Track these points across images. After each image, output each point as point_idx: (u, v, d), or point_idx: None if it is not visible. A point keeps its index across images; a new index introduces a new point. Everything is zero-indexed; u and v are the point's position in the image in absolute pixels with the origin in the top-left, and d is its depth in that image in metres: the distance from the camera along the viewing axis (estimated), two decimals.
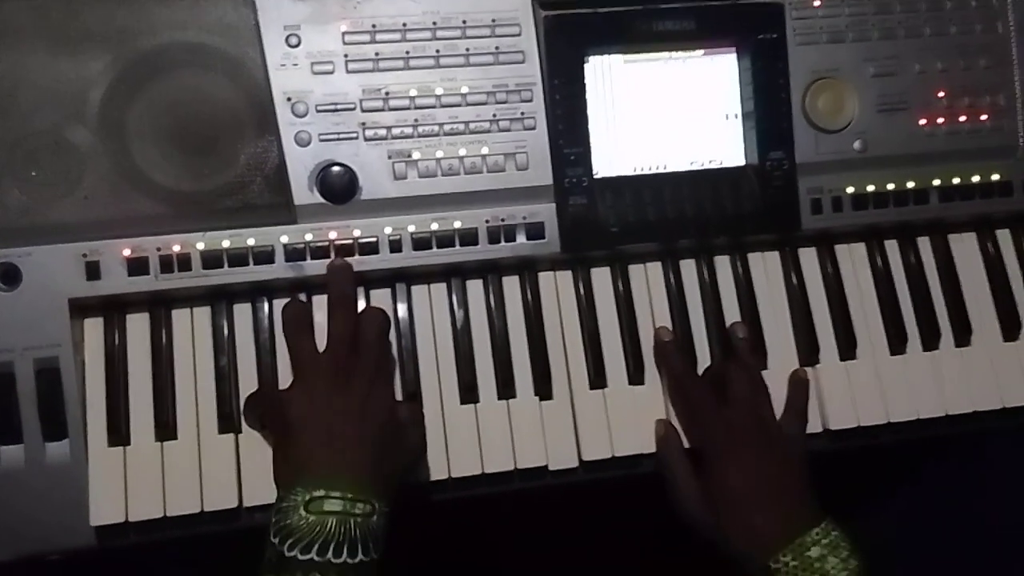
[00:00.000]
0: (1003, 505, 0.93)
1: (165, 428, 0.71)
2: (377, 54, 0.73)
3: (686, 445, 0.74)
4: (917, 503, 0.93)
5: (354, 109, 0.72)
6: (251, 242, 0.72)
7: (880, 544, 0.89)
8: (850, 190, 0.78)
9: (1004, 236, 0.83)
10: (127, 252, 0.70)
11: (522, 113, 0.75)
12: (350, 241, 0.73)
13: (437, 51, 0.74)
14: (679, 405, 0.75)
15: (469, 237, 0.74)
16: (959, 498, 0.90)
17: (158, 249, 0.70)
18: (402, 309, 0.75)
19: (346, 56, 0.72)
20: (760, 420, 0.73)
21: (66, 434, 0.70)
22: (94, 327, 0.72)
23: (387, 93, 0.73)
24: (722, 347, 0.78)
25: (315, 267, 0.72)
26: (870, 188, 0.79)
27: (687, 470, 0.72)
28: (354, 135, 0.72)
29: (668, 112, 0.78)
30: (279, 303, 0.74)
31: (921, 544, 0.91)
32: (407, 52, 0.73)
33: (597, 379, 0.76)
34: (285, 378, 0.72)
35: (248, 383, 0.73)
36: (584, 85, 0.75)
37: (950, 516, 0.90)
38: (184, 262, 0.71)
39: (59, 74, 0.69)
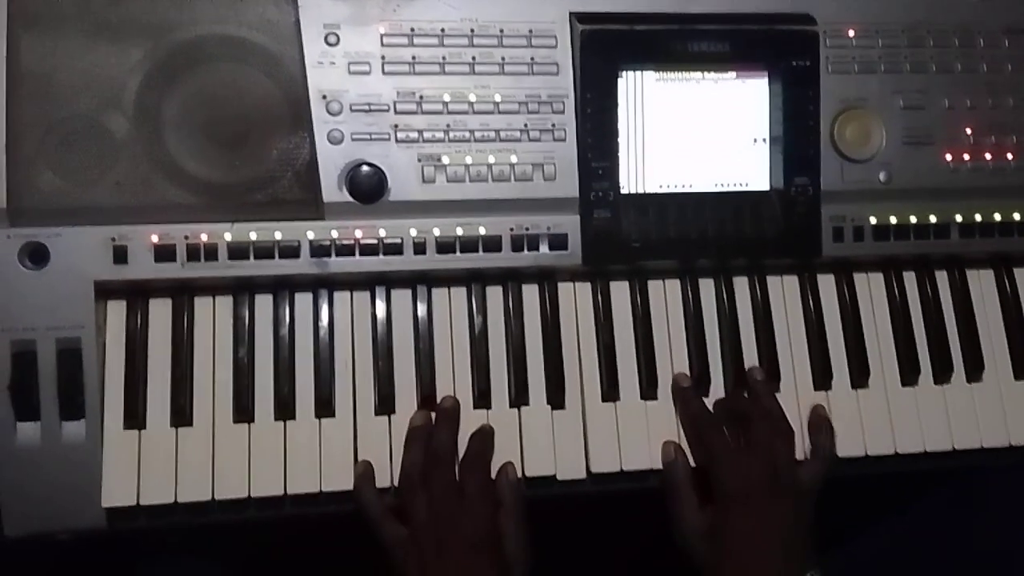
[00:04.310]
0: (997, 540, 0.93)
1: (181, 415, 0.72)
2: (414, 58, 0.73)
3: (692, 464, 0.75)
4: (908, 532, 0.93)
5: (387, 111, 0.73)
6: (278, 236, 0.72)
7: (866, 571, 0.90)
8: (872, 220, 0.79)
9: (1022, 275, 0.84)
10: (155, 239, 0.71)
11: (553, 125, 0.75)
12: (375, 241, 0.73)
13: (473, 58, 0.74)
14: (694, 445, 0.75)
15: (492, 244, 0.75)
16: (951, 530, 0.91)
17: (186, 238, 0.71)
18: (422, 311, 0.76)
19: (383, 58, 0.73)
20: (775, 472, 0.72)
21: (83, 415, 0.70)
22: (117, 310, 0.73)
23: (421, 97, 0.73)
24: (735, 367, 0.78)
25: (339, 264, 0.73)
26: (892, 219, 0.79)
27: (693, 501, 0.72)
28: (386, 136, 0.73)
29: (697, 132, 0.78)
30: (301, 297, 0.74)
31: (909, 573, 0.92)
32: (443, 57, 0.74)
33: (610, 392, 0.76)
34: (301, 372, 0.73)
35: (265, 375, 0.73)
36: (616, 100, 0.76)
37: (941, 548, 0.91)
38: (211, 252, 0.71)
39: (98, 60, 0.69)
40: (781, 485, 0.72)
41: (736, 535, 0.70)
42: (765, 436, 0.73)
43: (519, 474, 0.73)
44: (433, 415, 0.73)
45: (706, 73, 0.78)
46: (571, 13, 0.75)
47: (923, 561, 0.90)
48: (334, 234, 0.73)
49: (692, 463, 0.75)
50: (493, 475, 0.73)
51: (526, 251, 0.75)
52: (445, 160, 0.74)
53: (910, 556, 0.91)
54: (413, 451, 0.71)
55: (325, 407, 0.73)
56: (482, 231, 0.75)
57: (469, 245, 0.74)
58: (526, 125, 0.75)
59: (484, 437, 0.73)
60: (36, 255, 0.70)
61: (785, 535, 0.70)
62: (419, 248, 0.74)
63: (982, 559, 0.87)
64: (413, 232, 0.74)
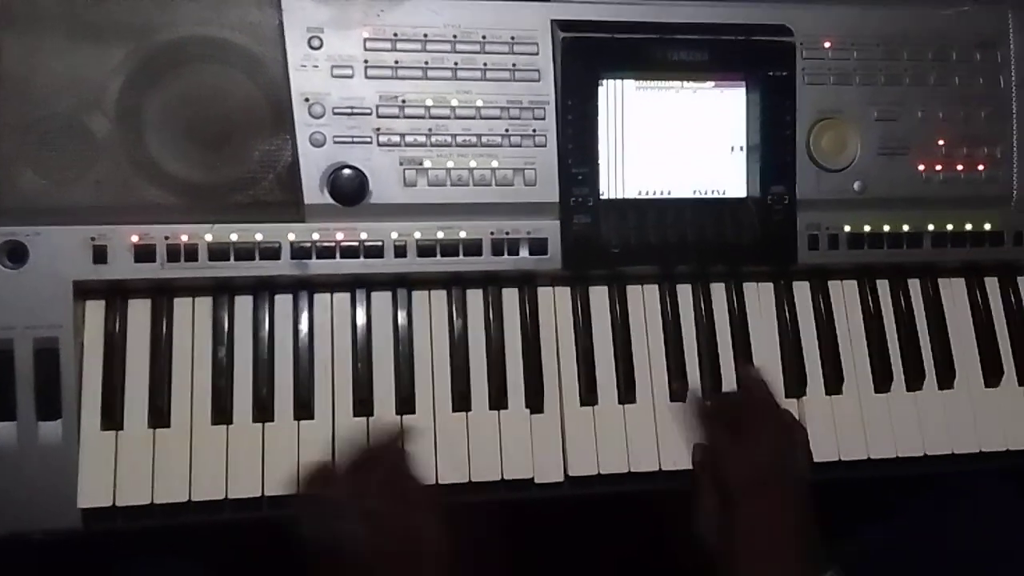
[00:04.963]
0: (977, 545, 0.94)
1: (159, 415, 0.72)
2: (396, 62, 0.74)
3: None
4: (888, 539, 0.94)
5: (370, 114, 0.73)
6: (258, 237, 0.72)
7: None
8: (847, 229, 0.80)
9: (992, 284, 0.85)
10: (135, 239, 0.71)
11: (534, 130, 0.76)
12: (356, 243, 0.74)
13: (455, 63, 0.75)
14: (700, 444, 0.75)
15: (473, 248, 0.75)
16: (931, 536, 0.92)
17: (166, 238, 0.71)
18: (401, 314, 0.76)
19: (366, 62, 0.73)
20: (780, 460, 0.72)
21: (60, 415, 0.70)
22: (95, 310, 0.72)
23: (403, 101, 0.74)
24: (711, 372, 0.79)
25: (320, 266, 0.73)
26: (866, 228, 0.81)
27: (714, 502, 0.72)
28: (368, 140, 0.73)
29: (676, 140, 0.79)
30: (281, 299, 0.75)
31: None
32: (426, 62, 0.74)
33: (588, 396, 0.77)
34: (281, 374, 0.74)
35: (244, 376, 0.73)
36: (596, 107, 0.77)
37: (921, 554, 0.92)
38: (191, 253, 0.71)
39: (80, 60, 0.69)
40: (785, 473, 0.72)
41: (748, 526, 0.69)
42: (762, 426, 0.73)
43: (499, 476, 0.74)
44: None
45: (685, 82, 0.79)
46: (553, 21, 0.76)
47: (903, 567, 0.91)
48: (315, 236, 0.73)
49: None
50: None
51: (506, 255, 0.76)
52: (427, 164, 0.74)
53: (890, 561, 0.92)
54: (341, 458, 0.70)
55: (304, 409, 0.73)
56: (463, 235, 0.75)
57: (450, 249, 0.75)
58: (507, 130, 0.75)
59: (389, 433, 0.72)
60: (15, 254, 0.70)
61: (796, 522, 0.70)
62: (400, 251, 0.74)
63: (961, 564, 0.88)
64: (394, 235, 0.74)
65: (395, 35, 0.74)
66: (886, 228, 0.81)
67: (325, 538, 0.67)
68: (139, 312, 0.73)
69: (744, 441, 0.74)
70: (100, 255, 0.70)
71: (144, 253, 0.71)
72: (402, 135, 0.74)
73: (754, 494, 0.71)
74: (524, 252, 0.76)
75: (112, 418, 0.71)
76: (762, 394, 0.76)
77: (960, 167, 0.82)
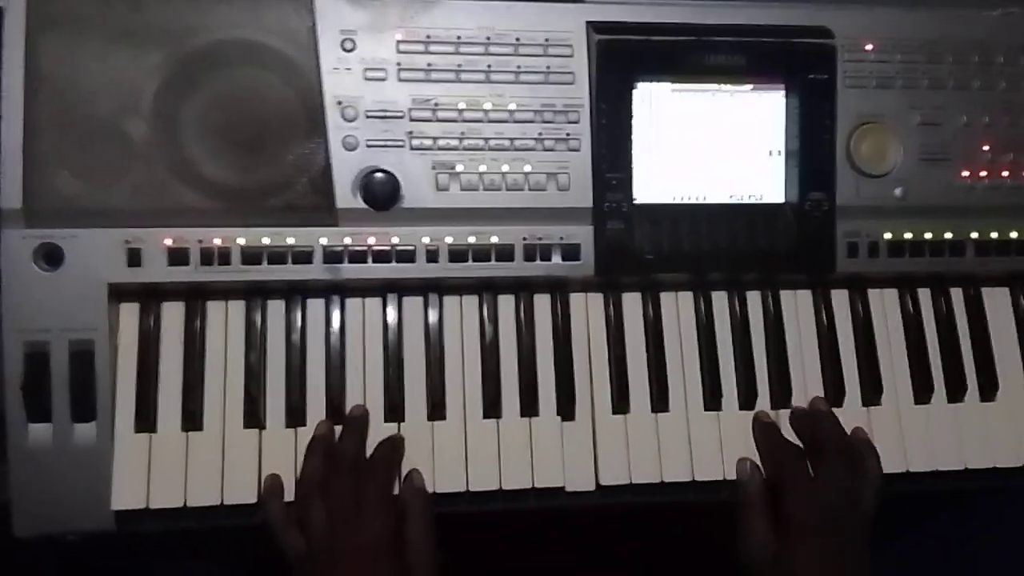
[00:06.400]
0: (1004, 561, 0.92)
1: (192, 418, 0.72)
2: (429, 65, 0.73)
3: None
4: (916, 552, 0.93)
5: (402, 118, 0.73)
6: (291, 241, 0.72)
7: None
8: (887, 236, 0.78)
9: None
10: (169, 242, 0.71)
11: (567, 134, 0.75)
12: (388, 248, 0.73)
13: (488, 66, 0.74)
14: (768, 467, 0.75)
15: (505, 253, 0.75)
16: (958, 551, 0.90)
17: (199, 241, 0.71)
18: (433, 319, 0.76)
19: (399, 65, 0.73)
20: (847, 504, 0.72)
21: (94, 417, 0.70)
22: (130, 313, 0.73)
23: (436, 104, 0.73)
24: (747, 381, 0.78)
25: (352, 270, 0.73)
26: (907, 236, 0.79)
27: (766, 522, 0.71)
28: (400, 143, 0.73)
29: (712, 144, 0.78)
30: (313, 303, 0.75)
31: None
32: (459, 65, 0.74)
33: (620, 404, 0.76)
34: (313, 378, 0.74)
35: (276, 380, 0.74)
36: (631, 111, 0.76)
37: (948, 569, 0.90)
38: (224, 256, 0.71)
39: (118, 64, 0.69)
40: (850, 522, 0.72)
41: (806, 565, 0.69)
42: (841, 468, 0.73)
43: (530, 484, 0.73)
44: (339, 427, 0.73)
45: (722, 85, 0.77)
46: (588, 23, 0.75)
47: None
48: (347, 240, 0.73)
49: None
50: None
51: (539, 261, 0.75)
52: (459, 168, 0.74)
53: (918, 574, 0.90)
54: (312, 460, 0.71)
55: (336, 414, 0.73)
56: (495, 240, 0.74)
57: (481, 254, 0.74)
58: (540, 134, 0.75)
59: (392, 445, 0.72)
60: (51, 256, 0.70)
61: (853, 567, 0.70)
62: (432, 256, 0.74)
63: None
64: (426, 240, 0.74)
65: (428, 38, 0.73)
66: (928, 236, 0.79)
67: (315, 544, 0.67)
68: (173, 315, 0.73)
69: (816, 477, 0.72)
70: (135, 258, 0.70)
71: (178, 256, 0.71)
72: (435, 139, 0.73)
73: (819, 534, 0.69)
74: (556, 258, 0.75)
75: (146, 420, 0.71)
76: (836, 429, 0.75)
77: (1005, 174, 0.80)
